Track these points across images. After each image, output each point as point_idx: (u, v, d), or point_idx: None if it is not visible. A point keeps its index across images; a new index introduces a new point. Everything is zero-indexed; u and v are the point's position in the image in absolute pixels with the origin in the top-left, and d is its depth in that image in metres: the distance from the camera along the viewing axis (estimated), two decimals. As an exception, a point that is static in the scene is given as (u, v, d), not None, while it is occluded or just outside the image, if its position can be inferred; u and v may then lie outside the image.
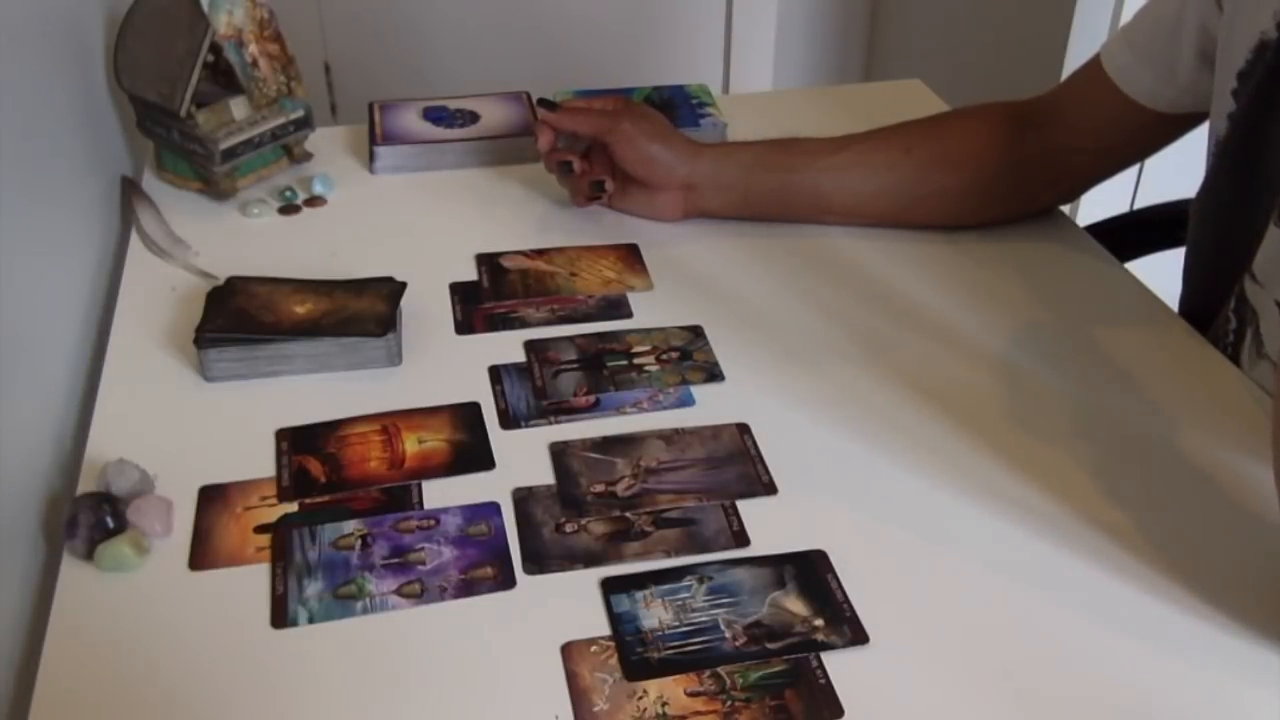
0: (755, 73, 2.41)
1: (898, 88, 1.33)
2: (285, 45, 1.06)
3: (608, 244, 1.01)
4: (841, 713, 0.61)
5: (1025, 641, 0.65)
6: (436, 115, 1.16)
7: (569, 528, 0.72)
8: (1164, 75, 0.91)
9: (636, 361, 0.86)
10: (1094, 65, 0.96)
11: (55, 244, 0.89)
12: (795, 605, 0.67)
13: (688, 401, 0.83)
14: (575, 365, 0.86)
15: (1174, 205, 1.12)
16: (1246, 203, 0.85)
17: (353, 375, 0.85)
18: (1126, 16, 1.67)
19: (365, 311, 0.86)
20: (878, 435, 0.80)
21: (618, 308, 0.93)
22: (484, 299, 0.93)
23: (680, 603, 0.67)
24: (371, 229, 1.03)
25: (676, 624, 0.65)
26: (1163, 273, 1.03)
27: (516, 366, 0.86)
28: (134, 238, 1.00)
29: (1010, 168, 1.00)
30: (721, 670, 0.63)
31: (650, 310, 0.92)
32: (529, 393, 0.83)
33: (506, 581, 0.68)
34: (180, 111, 0.99)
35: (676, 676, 0.63)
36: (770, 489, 0.75)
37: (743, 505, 0.74)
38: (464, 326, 0.91)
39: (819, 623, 0.66)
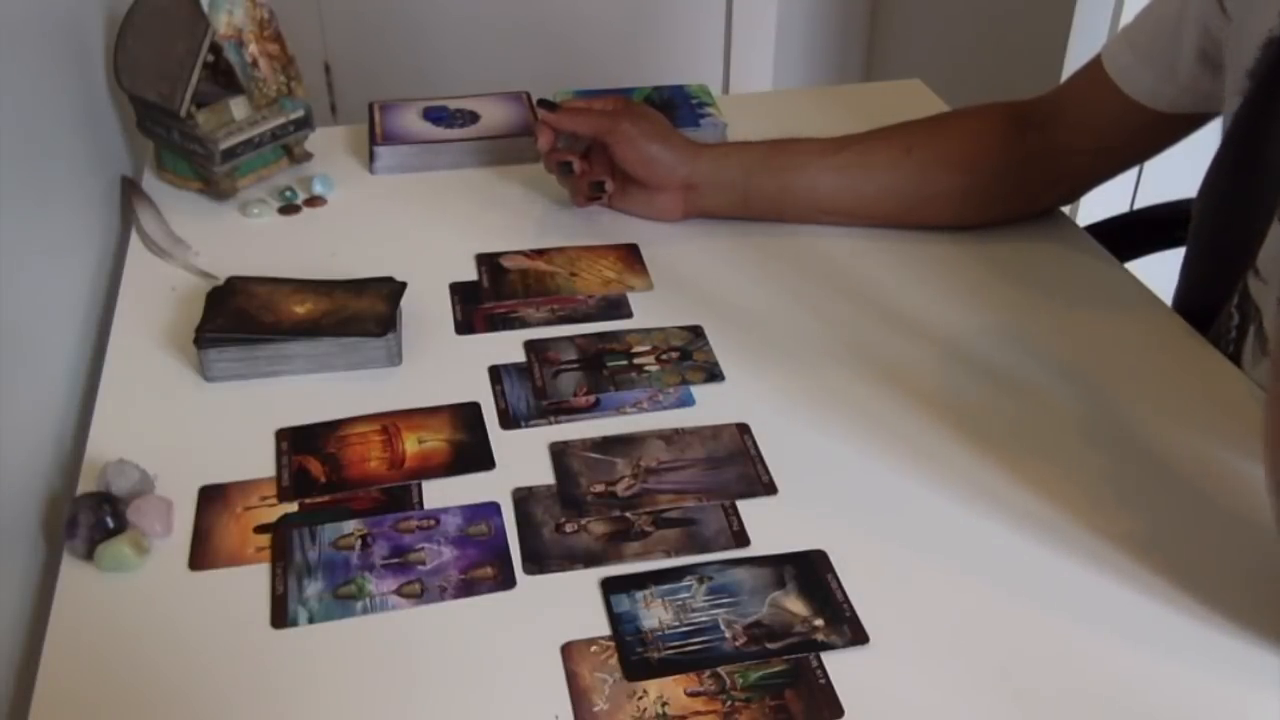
0: (755, 73, 2.41)
1: (898, 88, 1.33)
2: (285, 45, 1.06)
3: (608, 244, 1.01)
4: (841, 713, 0.61)
5: (1024, 642, 0.65)
6: (436, 115, 1.16)
7: (569, 528, 0.72)
8: (1164, 75, 0.91)
9: (636, 361, 0.86)
10: (1095, 66, 0.96)
11: (55, 244, 0.89)
12: (795, 605, 0.67)
13: (688, 401, 0.83)
14: (575, 365, 0.86)
15: (1174, 205, 1.12)
16: (1250, 198, 0.85)
17: (353, 375, 0.85)
18: (1127, 17, 1.68)
19: (365, 311, 0.86)
20: (878, 435, 0.80)
21: (618, 308, 0.93)
22: (484, 299, 0.93)
23: (680, 603, 0.67)
24: (371, 229, 1.03)
25: (676, 624, 0.65)
26: (1163, 272, 1.03)
27: (516, 366, 0.86)
28: (134, 238, 1.00)
29: (1011, 168, 1.00)
30: (721, 670, 0.63)
31: (650, 310, 0.92)
32: (529, 393, 0.83)
33: (506, 581, 0.68)
34: (180, 111, 0.99)
35: (676, 676, 0.63)
36: (770, 489, 0.75)
37: (743, 505, 0.74)
38: (464, 326, 0.91)
39: (819, 623, 0.66)
